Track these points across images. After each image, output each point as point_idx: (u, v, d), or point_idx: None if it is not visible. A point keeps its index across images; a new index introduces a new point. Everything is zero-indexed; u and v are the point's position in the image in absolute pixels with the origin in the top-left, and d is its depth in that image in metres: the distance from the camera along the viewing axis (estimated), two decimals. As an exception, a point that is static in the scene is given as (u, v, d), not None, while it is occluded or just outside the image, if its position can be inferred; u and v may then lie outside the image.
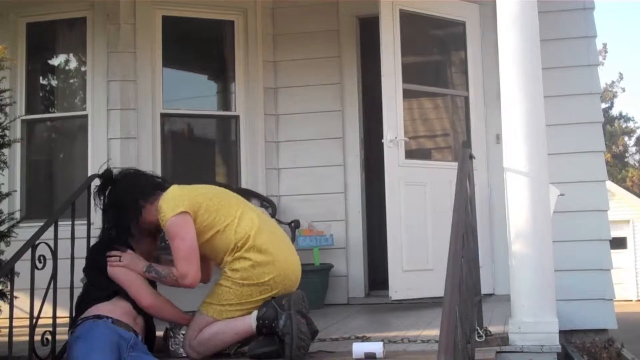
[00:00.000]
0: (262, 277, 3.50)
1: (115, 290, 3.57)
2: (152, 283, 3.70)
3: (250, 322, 3.48)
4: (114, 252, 3.60)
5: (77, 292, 3.82)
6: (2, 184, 4.96)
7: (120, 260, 3.59)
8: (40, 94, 6.66)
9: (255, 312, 3.48)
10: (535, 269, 3.74)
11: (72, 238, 3.95)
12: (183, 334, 3.65)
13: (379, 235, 5.97)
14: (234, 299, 3.51)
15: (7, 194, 4.97)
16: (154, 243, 3.84)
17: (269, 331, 3.44)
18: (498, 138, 5.64)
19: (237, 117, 6.36)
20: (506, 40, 3.93)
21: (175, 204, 3.55)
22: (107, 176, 3.80)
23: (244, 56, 6.33)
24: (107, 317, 3.45)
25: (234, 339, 3.55)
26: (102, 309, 3.50)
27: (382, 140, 5.46)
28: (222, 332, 3.53)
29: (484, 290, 4.73)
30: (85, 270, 3.75)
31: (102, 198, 3.75)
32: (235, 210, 3.62)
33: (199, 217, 3.55)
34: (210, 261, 3.75)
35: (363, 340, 3.86)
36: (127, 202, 3.64)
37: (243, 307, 3.52)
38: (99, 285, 3.60)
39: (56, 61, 6.66)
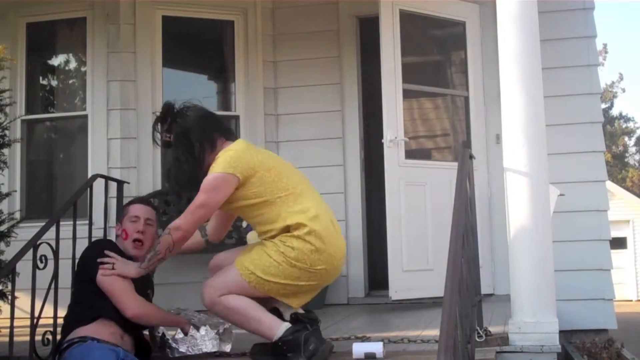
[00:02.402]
0: (316, 264, 3.34)
1: (99, 314, 3.42)
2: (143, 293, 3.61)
3: (274, 334, 3.33)
4: (106, 259, 3.48)
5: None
6: (2, 184, 4.97)
7: (113, 268, 3.46)
8: (40, 94, 6.67)
9: (283, 328, 3.33)
10: (535, 269, 3.74)
11: (74, 238, 3.97)
12: (177, 337, 3.61)
13: (379, 235, 5.97)
14: (281, 276, 3.34)
15: (7, 194, 4.97)
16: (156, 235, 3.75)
17: (282, 353, 3.33)
18: (498, 138, 5.65)
19: (237, 117, 6.36)
20: (506, 40, 3.93)
21: (231, 163, 3.36)
22: (169, 105, 3.55)
23: (244, 56, 6.34)
24: (92, 339, 3.33)
25: (250, 331, 3.42)
26: (87, 330, 3.38)
27: (382, 140, 5.46)
28: (246, 316, 3.37)
29: (484, 290, 4.73)
30: (74, 281, 3.65)
31: (164, 128, 3.52)
32: (294, 186, 3.44)
33: (249, 183, 3.37)
34: (227, 225, 3.66)
35: (363, 340, 3.86)
36: (203, 131, 3.46)
37: (286, 288, 3.37)
38: (84, 303, 3.48)
39: (56, 61, 6.67)
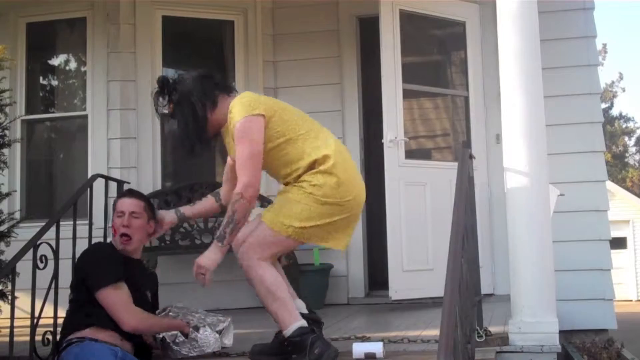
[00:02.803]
0: (344, 196, 3.34)
1: (94, 323, 3.37)
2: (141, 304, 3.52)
3: (289, 323, 3.30)
4: (199, 271, 3.27)
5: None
6: (2, 184, 4.97)
7: (203, 274, 3.28)
8: (40, 94, 6.67)
9: (297, 325, 3.30)
10: (535, 269, 3.74)
11: (74, 238, 3.97)
12: (177, 340, 3.59)
13: (379, 235, 5.97)
14: (316, 217, 3.32)
15: (7, 194, 4.97)
16: (151, 233, 3.69)
17: (286, 352, 3.34)
18: (498, 138, 5.65)
19: (237, 117, 6.35)
20: (506, 40, 3.93)
21: (251, 105, 3.36)
22: (164, 78, 3.55)
23: (244, 56, 6.33)
24: (91, 339, 3.32)
25: (268, 309, 3.35)
26: (84, 333, 3.36)
27: (382, 140, 5.46)
28: (273, 295, 3.31)
29: (484, 290, 4.73)
30: (72, 287, 3.55)
31: (164, 99, 3.51)
32: (311, 124, 3.48)
33: (272, 123, 3.37)
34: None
35: (363, 340, 3.86)
36: (202, 91, 3.45)
37: (323, 229, 3.35)
38: (80, 310, 3.44)
39: (56, 61, 6.67)
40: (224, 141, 3.58)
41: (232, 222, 3.27)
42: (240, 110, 3.35)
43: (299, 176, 3.39)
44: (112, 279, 3.42)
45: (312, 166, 3.36)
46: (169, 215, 3.71)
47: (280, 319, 3.34)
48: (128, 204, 3.60)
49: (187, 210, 3.73)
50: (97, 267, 3.46)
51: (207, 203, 3.75)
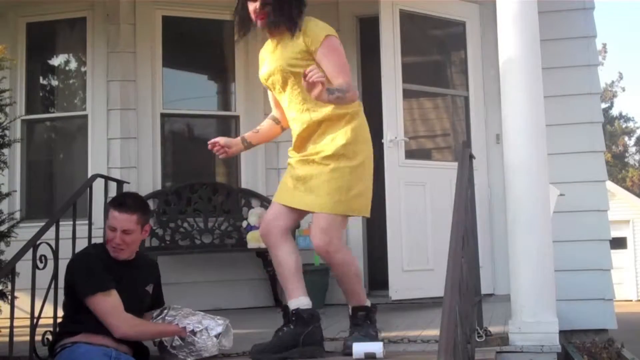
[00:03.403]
0: (359, 155, 3.55)
1: (86, 329, 3.35)
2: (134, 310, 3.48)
3: (364, 299, 3.65)
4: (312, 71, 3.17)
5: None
6: (2, 184, 4.98)
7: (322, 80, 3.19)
8: (40, 94, 6.67)
9: (369, 302, 3.68)
10: (535, 269, 3.74)
11: (74, 238, 3.97)
12: (175, 345, 3.54)
13: (379, 235, 5.97)
14: (355, 183, 3.48)
15: (7, 194, 4.98)
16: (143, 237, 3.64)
17: (363, 318, 3.61)
18: (498, 138, 5.65)
19: (237, 117, 6.36)
20: (506, 40, 3.92)
21: (329, 27, 3.54)
22: None
23: (244, 56, 6.33)
24: (85, 343, 3.31)
25: (348, 286, 3.62)
26: (78, 337, 3.34)
27: (382, 140, 5.46)
28: (355, 273, 3.59)
29: (484, 290, 4.73)
30: (65, 291, 3.49)
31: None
32: None
33: None
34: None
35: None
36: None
37: (361, 196, 3.50)
38: (72, 317, 3.42)
39: (56, 61, 6.67)
40: (276, 47, 3.59)
41: (343, 92, 3.37)
42: (326, 27, 3.52)
43: (322, 121, 3.50)
44: (101, 286, 3.37)
45: (340, 117, 3.53)
46: (236, 147, 3.76)
47: (358, 296, 3.64)
48: (120, 221, 3.44)
49: (252, 137, 3.80)
50: (85, 274, 3.40)
51: (268, 126, 3.82)
